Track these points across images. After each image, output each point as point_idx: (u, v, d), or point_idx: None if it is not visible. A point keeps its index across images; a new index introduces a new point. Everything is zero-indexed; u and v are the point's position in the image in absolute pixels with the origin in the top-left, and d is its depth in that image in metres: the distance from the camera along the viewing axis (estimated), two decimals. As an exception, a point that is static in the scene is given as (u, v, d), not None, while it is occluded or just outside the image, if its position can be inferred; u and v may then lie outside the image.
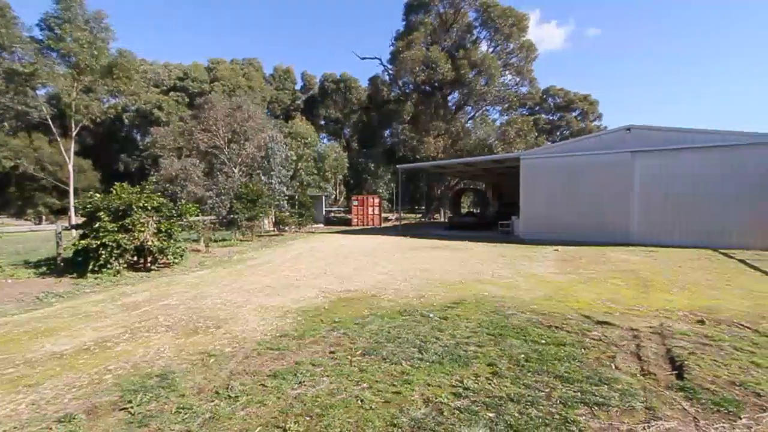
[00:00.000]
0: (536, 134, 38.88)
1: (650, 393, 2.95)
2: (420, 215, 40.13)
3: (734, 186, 12.75)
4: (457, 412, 2.69)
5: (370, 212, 28.12)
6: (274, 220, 21.27)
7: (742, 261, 9.55)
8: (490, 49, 35.18)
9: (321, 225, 27.56)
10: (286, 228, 20.77)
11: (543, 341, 4.00)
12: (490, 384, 3.08)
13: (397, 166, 23.12)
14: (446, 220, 29.17)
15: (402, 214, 28.47)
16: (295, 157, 26.75)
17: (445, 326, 4.52)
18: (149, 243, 8.79)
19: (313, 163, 32.60)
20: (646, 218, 13.99)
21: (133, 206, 8.77)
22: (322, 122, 48.88)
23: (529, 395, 2.89)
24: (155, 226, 9.08)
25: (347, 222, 28.43)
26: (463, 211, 32.68)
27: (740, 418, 2.61)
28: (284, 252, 12.43)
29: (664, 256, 10.42)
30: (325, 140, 48.89)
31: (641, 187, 14.16)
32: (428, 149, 33.02)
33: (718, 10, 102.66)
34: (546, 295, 6.10)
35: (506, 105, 37.85)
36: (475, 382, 3.12)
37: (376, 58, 41.49)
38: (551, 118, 52.89)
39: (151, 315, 5.26)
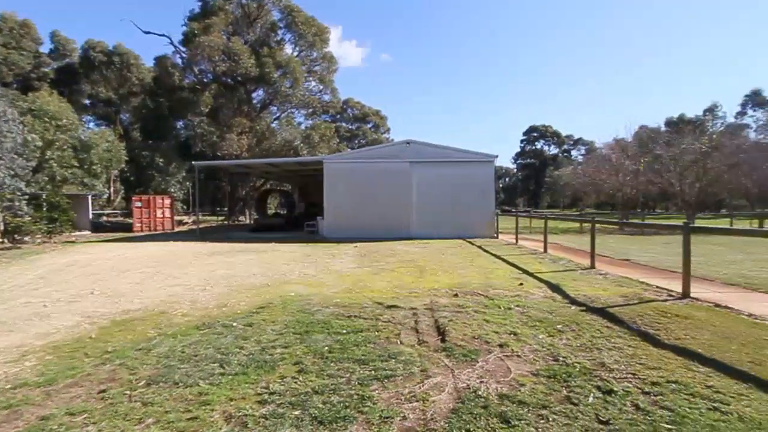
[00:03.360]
0: (338, 140, 41.92)
1: (424, 358, 3.65)
2: (223, 218, 36.88)
3: (473, 192, 17.26)
4: (263, 419, 2.62)
5: (159, 215, 23.99)
6: (2, 227, 15.36)
7: (479, 247, 12.99)
8: (295, 53, 35.74)
9: (87, 232, 21.71)
10: (26, 238, 15.35)
11: (344, 331, 4.36)
12: (296, 382, 3.14)
13: (194, 163, 20.58)
14: (252, 222, 27.88)
15: (201, 217, 25.48)
16: (40, 143, 20.01)
17: (250, 333, 4.33)
18: None
19: (72, 153, 25.22)
20: (422, 217, 17.20)
21: None
22: (87, 102, 38.48)
23: (332, 384, 3.10)
24: None
25: (127, 227, 23.33)
26: (270, 212, 32.02)
27: (477, 362, 3.55)
28: (22, 271, 9.17)
29: (433, 247, 13.07)
30: (92, 125, 38.68)
31: (417, 191, 17.32)
32: (231, 147, 30.74)
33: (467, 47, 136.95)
34: (347, 288, 6.67)
35: (311, 110, 39.29)
36: (281, 384, 3.12)
37: (164, 35, 35.69)
38: (351, 127, 58.17)
39: None
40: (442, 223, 16.94)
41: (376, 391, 2.99)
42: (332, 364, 3.48)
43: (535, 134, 79.31)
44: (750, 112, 48.67)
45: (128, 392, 3.03)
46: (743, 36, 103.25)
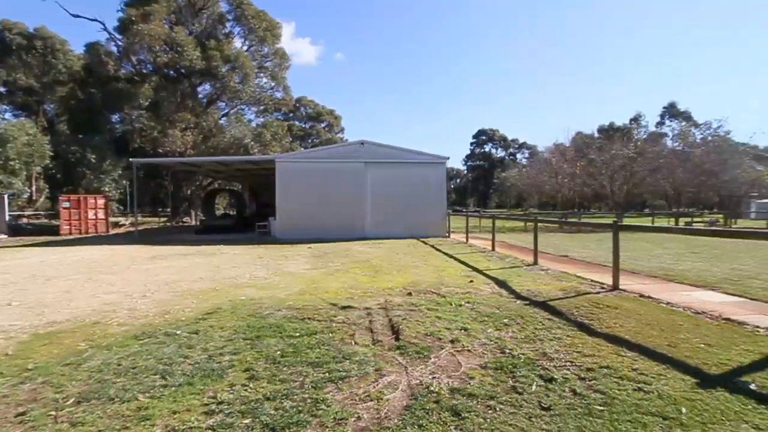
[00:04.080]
0: (291, 139, 41.02)
1: (378, 357, 3.68)
2: (165, 219, 34.54)
3: (425, 192, 17.67)
4: (209, 431, 2.50)
5: (92, 216, 22.00)
6: None
7: (432, 246, 13.32)
8: (245, 48, 34.41)
9: (3, 236, 19.35)
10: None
11: (298, 334, 4.28)
12: (246, 390, 3.03)
13: (132, 159, 19.13)
14: (198, 224, 26.40)
15: (141, 218, 23.68)
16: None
17: (196, 341, 4.11)
18: None
19: (-17, 147, 22.34)
20: (376, 217, 17.31)
21: None
22: (2, 89, 34.28)
23: (284, 389, 3.02)
24: None
25: (53, 230, 21.08)
26: (219, 212, 30.52)
27: (430, 358, 3.64)
28: None
29: (388, 247, 13.20)
30: (9, 115, 34.55)
31: (372, 191, 17.40)
32: (174, 143, 28.93)
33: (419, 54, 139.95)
34: (300, 290, 6.55)
35: (262, 107, 38.08)
36: (230, 392, 2.99)
37: (96, 20, 32.48)
38: (304, 126, 57.09)
39: None
40: (396, 223, 17.16)
41: (331, 394, 2.97)
42: (285, 369, 3.40)
43: (484, 137, 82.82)
44: (667, 122, 54.46)
45: (53, 413, 2.75)
46: (665, 54, 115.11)
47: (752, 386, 2.95)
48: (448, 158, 18.29)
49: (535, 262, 9.18)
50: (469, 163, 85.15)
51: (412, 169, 17.64)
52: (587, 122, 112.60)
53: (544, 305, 5.43)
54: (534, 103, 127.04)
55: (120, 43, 30.82)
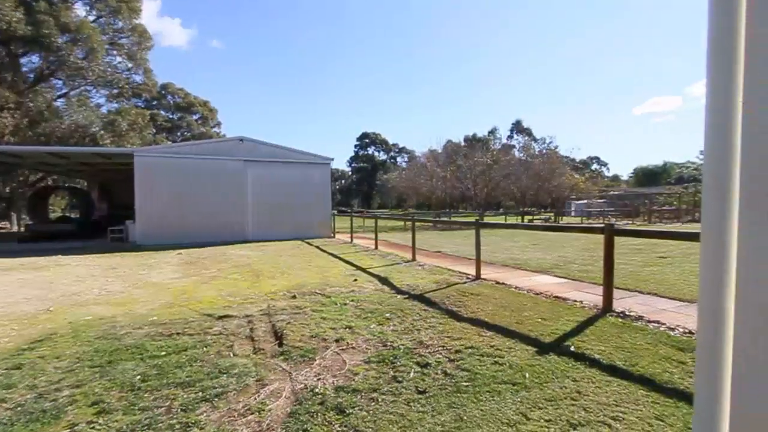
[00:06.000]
0: (155, 131, 35.86)
1: (260, 366, 3.50)
2: (-32, 224, 26.48)
3: (310, 193, 17.49)
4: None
5: None
6: None
7: (317, 247, 13.24)
8: (92, 18, 28.72)
9: None
10: None
11: (163, 353, 3.77)
12: (93, 428, 2.54)
13: None
14: (24, 230, 20.95)
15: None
16: None
17: (19, 378, 3.27)
18: None
19: None
20: (258, 218, 16.40)
21: None
22: None
23: (146, 419, 2.64)
24: None
25: None
26: (55, 215, 24.75)
27: (315, 360, 3.62)
28: None
29: (271, 249, 12.64)
30: None
31: (253, 191, 16.42)
32: (-18, 127, 22.40)
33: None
34: (167, 303, 5.79)
35: (116, 91, 32.27)
36: (70, 433, 2.47)
37: None
38: (171, 116, 50.46)
39: None
40: (280, 224, 16.54)
41: (204, 414, 2.71)
42: (147, 395, 2.96)
43: (367, 140, 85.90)
44: (515, 136, 65.13)
45: None
46: (513, 73, 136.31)
47: (572, 348, 3.74)
48: (333, 159, 18.44)
49: (414, 259, 9.92)
50: (353, 165, 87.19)
51: (296, 169, 17.22)
52: (458, 130, 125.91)
53: (421, 298, 5.91)
54: (410, 108, 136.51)
55: None
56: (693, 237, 4.55)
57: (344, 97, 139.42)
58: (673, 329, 4.27)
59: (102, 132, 27.57)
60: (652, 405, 2.70)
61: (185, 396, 2.95)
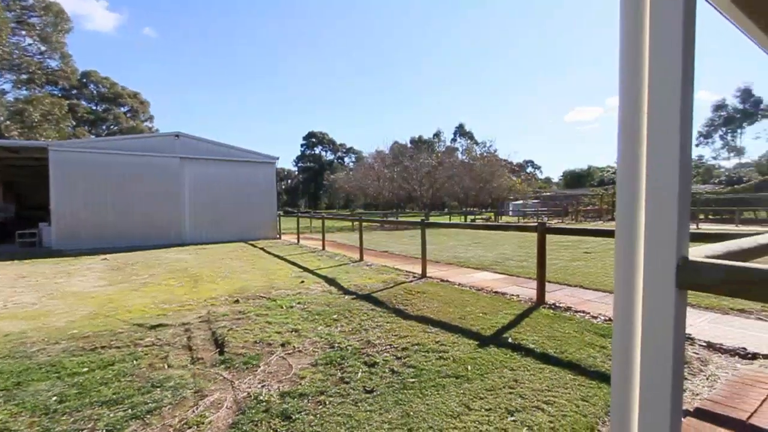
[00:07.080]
0: (75, 123, 32.28)
1: (199, 377, 3.29)
2: None
3: (254, 193, 16.83)
4: None
5: None
6: None
7: (262, 248, 12.77)
8: (-9, -9, 25.14)
9: None
10: None
11: (85, 369, 3.41)
12: (-4, 459, 2.23)
13: None
14: None
15: None
16: None
17: None
18: None
19: None
20: (197, 220, 15.43)
21: None
22: None
23: (63, 443, 2.36)
24: None
25: None
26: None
27: (259, 366, 3.49)
28: None
29: (211, 252, 11.96)
30: None
31: (191, 191, 15.42)
32: None
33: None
34: (91, 313, 5.24)
35: (25, 76, 28.55)
36: (-34, 469, 2.14)
37: None
38: (95, 108, 45.75)
39: None
40: (222, 226, 15.70)
41: (135, 432, 2.49)
42: (65, 418, 2.66)
43: (314, 140, 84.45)
44: (458, 139, 67.88)
45: None
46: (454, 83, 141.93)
47: (510, 340, 3.98)
48: (279, 158, 17.86)
49: (361, 259, 9.94)
50: (300, 165, 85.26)
51: (239, 168, 16.44)
52: (404, 131, 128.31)
53: (368, 297, 5.94)
54: (358, 109, 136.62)
55: None
56: (611, 234, 5.06)
57: (291, 95, 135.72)
58: (596, 317, 4.72)
59: (8, 123, 24.25)
60: (578, 388, 2.96)
61: (111, 415, 2.69)
